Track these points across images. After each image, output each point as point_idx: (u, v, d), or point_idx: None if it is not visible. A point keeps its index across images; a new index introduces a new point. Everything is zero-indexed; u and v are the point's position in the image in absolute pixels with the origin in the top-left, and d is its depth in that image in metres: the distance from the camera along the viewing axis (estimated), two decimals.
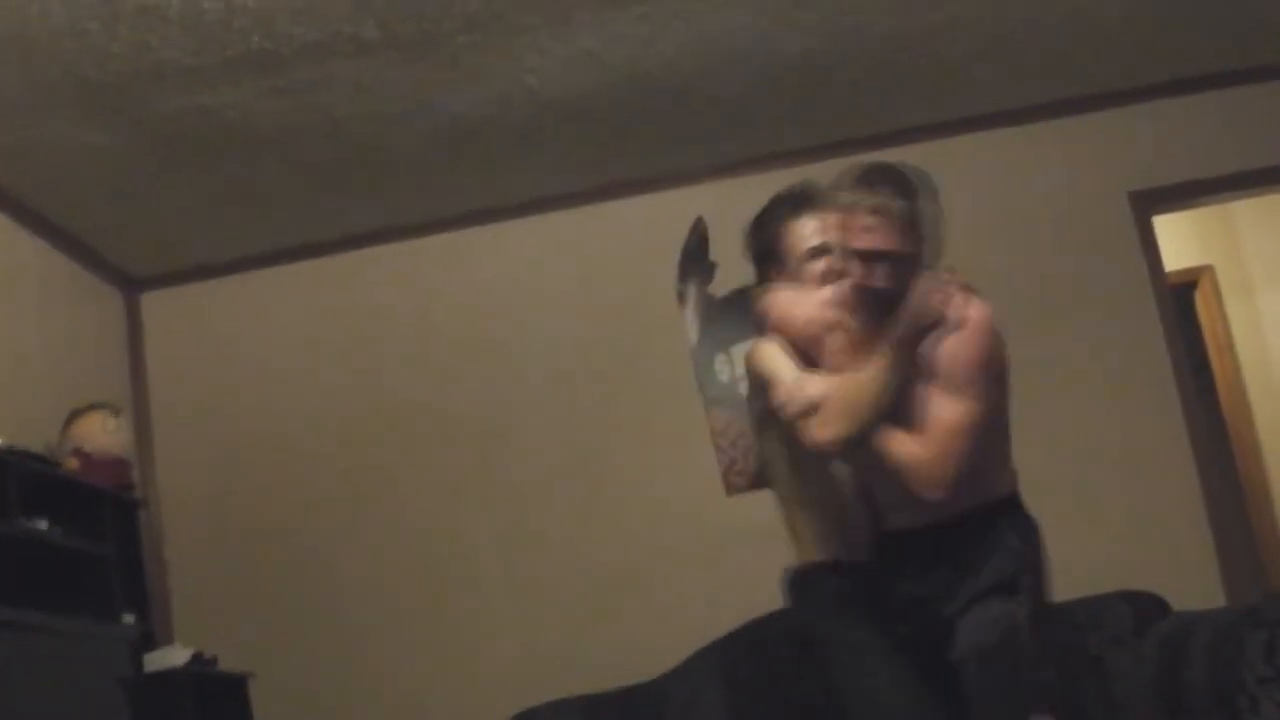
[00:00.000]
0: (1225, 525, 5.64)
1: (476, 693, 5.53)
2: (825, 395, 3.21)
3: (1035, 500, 3.41)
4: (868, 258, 3.17)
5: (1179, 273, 6.54)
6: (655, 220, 5.95)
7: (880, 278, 3.18)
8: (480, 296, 5.99)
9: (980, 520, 3.25)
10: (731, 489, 5.67)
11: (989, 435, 3.22)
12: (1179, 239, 6.57)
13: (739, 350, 5.45)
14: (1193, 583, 5.34)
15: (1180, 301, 6.35)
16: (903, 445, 3.17)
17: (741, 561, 5.24)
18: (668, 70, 5.06)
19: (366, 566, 5.77)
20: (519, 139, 5.43)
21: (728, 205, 5.61)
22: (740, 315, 5.46)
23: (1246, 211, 6.82)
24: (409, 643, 5.69)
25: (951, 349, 3.19)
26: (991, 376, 3.21)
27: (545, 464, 5.82)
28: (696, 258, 5.90)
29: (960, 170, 5.39)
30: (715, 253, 5.86)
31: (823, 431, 3.21)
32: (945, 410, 3.17)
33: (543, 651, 5.60)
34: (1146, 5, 5.22)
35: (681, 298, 5.90)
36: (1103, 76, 5.79)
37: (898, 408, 3.18)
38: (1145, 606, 4.93)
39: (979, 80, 5.61)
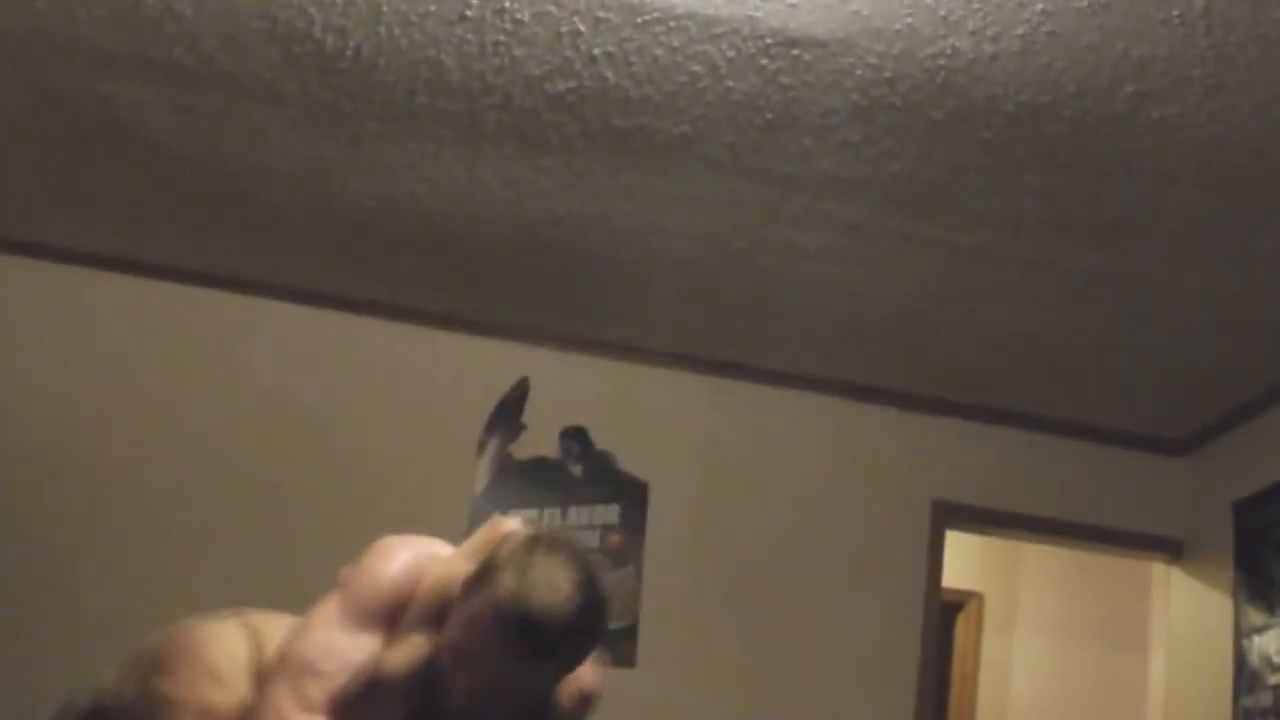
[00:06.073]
0: None
1: None
2: None
3: None
4: None
5: (952, 591, 6.57)
6: (480, 365, 5.85)
7: None
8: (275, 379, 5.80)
9: None
10: None
11: None
12: (962, 558, 6.63)
13: (516, 517, 5.50)
14: None
15: (945, 618, 6.45)
16: None
17: None
18: (553, 227, 5.05)
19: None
20: (384, 240, 5.35)
21: (558, 377, 5.82)
22: (530, 483, 5.69)
23: (1031, 551, 6.93)
24: None
25: None
26: None
27: (288, 580, 5.23)
28: (510, 413, 5.86)
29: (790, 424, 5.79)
30: (529, 416, 5.83)
31: None
32: None
33: None
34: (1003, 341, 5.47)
35: (482, 447, 5.83)
36: (944, 385, 5.94)
37: None
38: None
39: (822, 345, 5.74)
